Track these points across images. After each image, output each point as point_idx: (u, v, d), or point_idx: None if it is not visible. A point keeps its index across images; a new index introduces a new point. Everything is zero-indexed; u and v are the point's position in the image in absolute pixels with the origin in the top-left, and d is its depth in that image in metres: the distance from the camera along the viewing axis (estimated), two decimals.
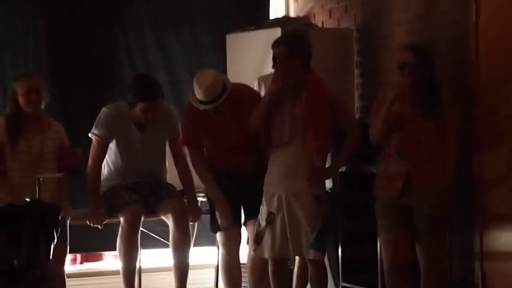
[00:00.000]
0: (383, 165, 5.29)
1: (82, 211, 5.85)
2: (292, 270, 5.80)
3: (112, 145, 5.89)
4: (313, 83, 5.38)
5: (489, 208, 5.55)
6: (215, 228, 5.74)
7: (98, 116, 5.89)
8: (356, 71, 6.68)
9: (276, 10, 7.35)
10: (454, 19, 5.79)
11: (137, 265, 5.91)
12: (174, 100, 6.40)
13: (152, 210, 5.89)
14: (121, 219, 5.76)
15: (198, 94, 5.55)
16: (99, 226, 5.85)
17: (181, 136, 5.89)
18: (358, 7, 6.67)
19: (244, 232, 5.83)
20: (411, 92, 5.18)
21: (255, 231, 5.45)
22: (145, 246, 6.13)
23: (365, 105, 6.55)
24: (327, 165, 5.48)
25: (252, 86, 5.98)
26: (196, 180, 5.94)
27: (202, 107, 5.57)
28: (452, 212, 5.38)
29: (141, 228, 5.83)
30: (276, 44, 5.37)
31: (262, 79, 6.03)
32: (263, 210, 5.40)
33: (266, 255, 5.44)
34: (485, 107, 5.57)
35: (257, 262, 5.67)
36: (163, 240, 6.14)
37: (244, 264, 5.91)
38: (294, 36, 5.56)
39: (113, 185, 5.91)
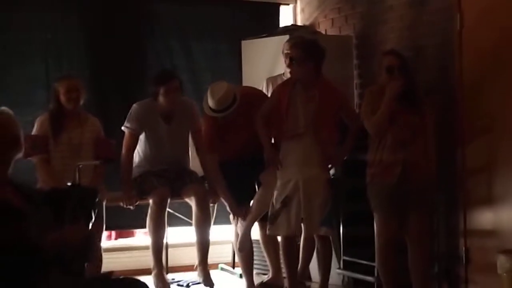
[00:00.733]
0: (378, 154, 5.25)
1: (116, 194, 5.86)
2: (299, 245, 5.77)
3: (142, 137, 5.90)
4: (324, 83, 5.40)
5: (471, 193, 5.53)
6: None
7: (130, 111, 5.90)
8: (355, 72, 6.68)
9: (285, 19, 7.33)
10: (440, 28, 5.76)
11: (164, 241, 5.94)
12: (196, 97, 6.40)
13: (177, 193, 5.88)
14: (150, 201, 5.78)
15: (211, 103, 5.60)
16: (131, 207, 5.85)
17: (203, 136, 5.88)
18: (357, 17, 6.67)
19: None
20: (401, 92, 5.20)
21: (269, 213, 5.44)
22: (171, 224, 6.17)
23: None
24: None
25: (262, 86, 6.02)
26: None
27: (213, 115, 5.61)
28: (436, 194, 5.42)
29: (167, 209, 5.83)
30: (294, 46, 5.44)
31: (270, 80, 6.14)
32: (275, 194, 5.39)
33: (281, 233, 5.46)
34: (467, 106, 5.54)
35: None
36: (187, 219, 6.12)
37: (256, 240, 5.91)
38: (311, 41, 5.58)
39: (143, 171, 5.91)
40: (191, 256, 6.06)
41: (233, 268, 6.57)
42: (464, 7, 5.49)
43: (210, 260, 5.97)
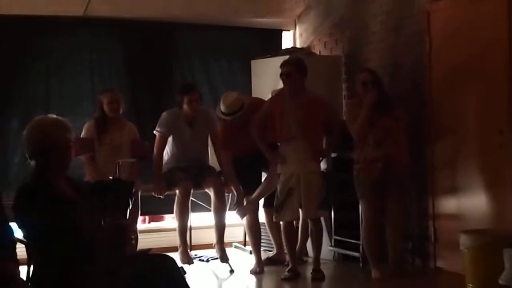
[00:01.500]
0: (362, 153, 5.26)
1: (149, 185, 5.85)
2: (297, 228, 5.81)
3: (170, 139, 5.88)
4: (309, 94, 5.37)
5: (438, 182, 5.53)
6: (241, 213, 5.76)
7: (160, 118, 5.88)
8: (344, 86, 6.62)
9: (287, 42, 7.27)
10: (414, 48, 5.76)
11: (188, 224, 5.91)
12: (214, 106, 6.25)
13: (198, 185, 5.87)
14: (177, 191, 5.77)
15: (222, 107, 5.62)
16: (161, 196, 5.85)
17: (219, 137, 5.87)
18: (345, 40, 6.60)
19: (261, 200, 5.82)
20: (375, 101, 5.19)
21: (274, 204, 5.42)
22: (194, 210, 6.06)
23: None
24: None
25: (268, 97, 5.97)
26: None
27: (222, 117, 5.62)
28: (409, 183, 5.41)
29: (191, 198, 5.82)
30: (285, 64, 5.37)
31: (275, 92, 5.99)
32: (280, 188, 5.36)
33: (287, 219, 5.44)
34: (435, 111, 5.55)
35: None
36: (207, 206, 6.08)
37: (263, 223, 5.92)
38: (298, 59, 5.55)
39: (171, 167, 5.89)
40: (210, 236, 6.04)
41: (245, 246, 6.54)
42: (433, 31, 5.51)
43: (226, 239, 5.95)
